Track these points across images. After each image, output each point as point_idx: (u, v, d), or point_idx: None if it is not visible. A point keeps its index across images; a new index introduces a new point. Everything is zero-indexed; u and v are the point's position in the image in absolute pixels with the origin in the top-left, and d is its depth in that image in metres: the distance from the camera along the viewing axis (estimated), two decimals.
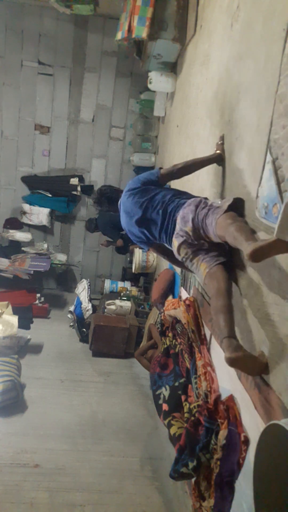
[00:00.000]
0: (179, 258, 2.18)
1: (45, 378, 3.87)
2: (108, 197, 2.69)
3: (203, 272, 2.01)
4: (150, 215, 2.28)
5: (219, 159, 2.37)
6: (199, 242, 2.06)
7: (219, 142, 2.39)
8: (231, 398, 2.02)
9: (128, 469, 2.84)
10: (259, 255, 1.45)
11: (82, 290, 5.39)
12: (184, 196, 2.28)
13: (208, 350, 2.54)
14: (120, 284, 5.62)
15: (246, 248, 1.53)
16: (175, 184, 3.46)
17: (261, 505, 1.34)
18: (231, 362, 1.61)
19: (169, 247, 2.32)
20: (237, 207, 1.94)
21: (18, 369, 3.62)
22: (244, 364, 1.63)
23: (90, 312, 4.96)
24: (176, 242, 2.13)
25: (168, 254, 2.47)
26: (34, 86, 5.77)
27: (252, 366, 1.65)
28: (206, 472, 2.09)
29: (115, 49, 5.61)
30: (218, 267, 1.96)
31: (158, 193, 2.29)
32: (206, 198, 2.17)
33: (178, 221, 2.12)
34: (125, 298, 5.16)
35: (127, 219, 2.41)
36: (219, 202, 2.03)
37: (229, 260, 2.02)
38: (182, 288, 3.46)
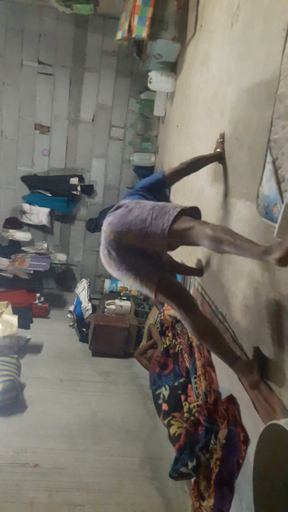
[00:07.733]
0: None
1: (44, 377, 3.87)
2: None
3: None
4: None
5: (219, 157, 2.37)
6: None
7: (219, 140, 2.39)
8: (231, 398, 2.02)
9: (128, 469, 2.84)
10: None
11: (81, 289, 5.39)
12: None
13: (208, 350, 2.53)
14: (120, 284, 5.61)
15: (268, 252, 1.33)
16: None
17: (261, 505, 1.34)
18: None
19: None
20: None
21: (18, 369, 3.62)
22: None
23: (90, 311, 4.96)
24: None
25: None
26: (34, 86, 5.76)
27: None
28: (206, 472, 2.09)
29: (115, 49, 5.60)
30: None
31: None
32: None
33: None
34: (124, 298, 5.15)
35: None
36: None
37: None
38: None
